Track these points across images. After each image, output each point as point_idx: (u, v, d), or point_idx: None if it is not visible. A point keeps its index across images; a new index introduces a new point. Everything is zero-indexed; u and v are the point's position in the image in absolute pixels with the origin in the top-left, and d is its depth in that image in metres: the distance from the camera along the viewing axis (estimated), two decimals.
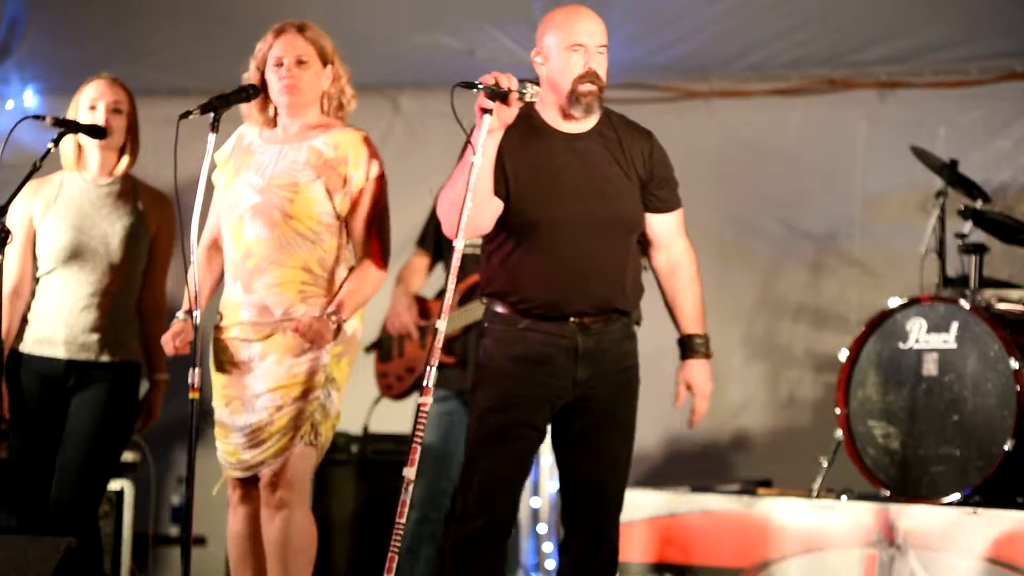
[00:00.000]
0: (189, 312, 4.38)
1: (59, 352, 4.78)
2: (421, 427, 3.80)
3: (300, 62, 4.39)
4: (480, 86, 3.86)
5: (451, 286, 3.85)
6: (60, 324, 4.78)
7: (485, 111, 3.88)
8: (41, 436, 4.80)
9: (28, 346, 4.81)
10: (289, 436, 4.29)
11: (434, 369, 3.81)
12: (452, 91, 3.83)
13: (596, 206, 4.04)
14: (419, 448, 3.78)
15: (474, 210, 3.89)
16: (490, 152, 3.94)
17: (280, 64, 4.39)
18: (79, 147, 4.83)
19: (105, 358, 4.79)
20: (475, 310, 5.64)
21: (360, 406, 6.25)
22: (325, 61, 4.42)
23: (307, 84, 4.39)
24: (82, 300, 4.77)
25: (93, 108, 4.79)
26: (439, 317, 3.80)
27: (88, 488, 4.76)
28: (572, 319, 4.04)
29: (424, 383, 3.83)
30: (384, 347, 6.13)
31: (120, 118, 4.83)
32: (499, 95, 3.86)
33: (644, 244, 4.24)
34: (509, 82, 3.87)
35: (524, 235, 4.04)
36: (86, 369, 4.78)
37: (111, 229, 4.80)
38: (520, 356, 4.06)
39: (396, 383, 6.07)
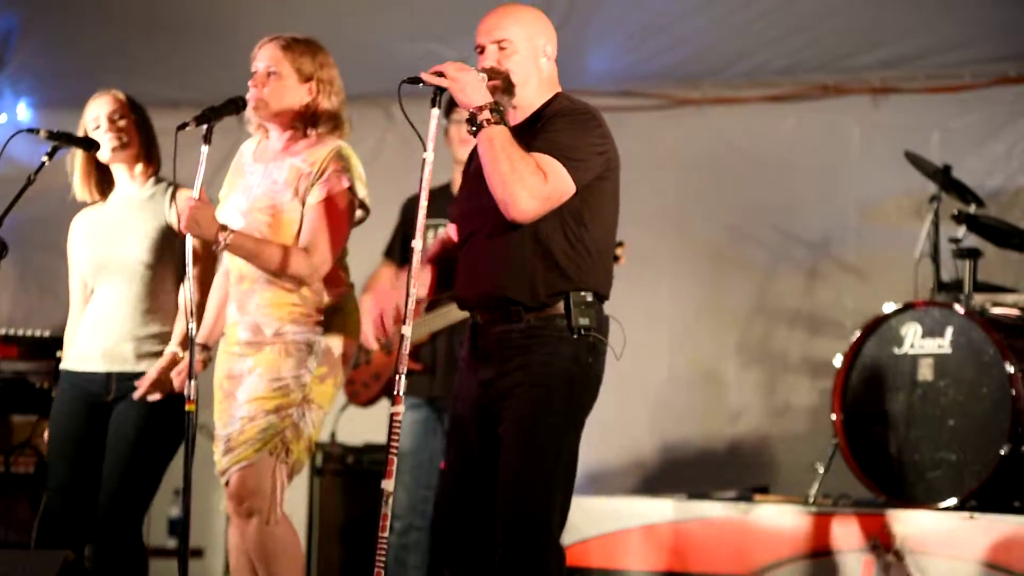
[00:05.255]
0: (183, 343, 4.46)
1: (98, 366, 4.75)
2: (396, 437, 3.75)
3: (270, 73, 4.35)
4: (423, 82, 3.81)
5: (412, 290, 3.78)
6: (97, 337, 4.76)
7: (433, 105, 3.82)
8: (84, 451, 4.74)
9: (72, 363, 4.81)
10: (255, 448, 4.27)
11: (403, 377, 3.76)
12: (399, 89, 3.77)
13: (487, 197, 3.82)
14: (395, 459, 3.73)
15: None
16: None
17: (253, 74, 4.38)
18: (87, 171, 4.81)
19: (142, 368, 4.71)
20: (443, 316, 5.64)
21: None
22: (304, 78, 4.37)
23: (272, 96, 4.34)
24: (116, 311, 4.74)
25: (97, 127, 4.78)
26: (404, 323, 3.74)
27: (134, 503, 4.70)
28: (477, 316, 3.94)
29: (395, 391, 3.77)
30: None
31: (122, 128, 4.80)
32: (442, 89, 3.81)
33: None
34: (461, 72, 3.79)
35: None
36: (124, 380, 4.72)
37: (134, 237, 4.76)
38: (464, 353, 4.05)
39: (363, 390, 6.05)
